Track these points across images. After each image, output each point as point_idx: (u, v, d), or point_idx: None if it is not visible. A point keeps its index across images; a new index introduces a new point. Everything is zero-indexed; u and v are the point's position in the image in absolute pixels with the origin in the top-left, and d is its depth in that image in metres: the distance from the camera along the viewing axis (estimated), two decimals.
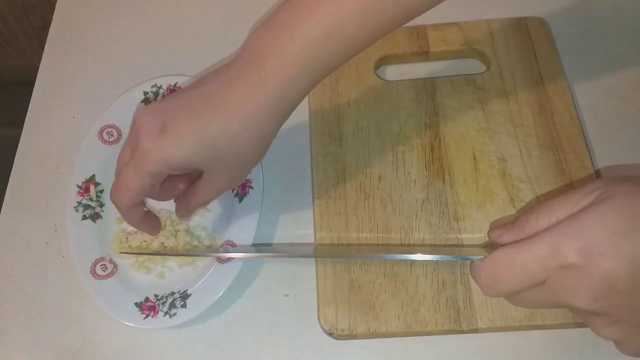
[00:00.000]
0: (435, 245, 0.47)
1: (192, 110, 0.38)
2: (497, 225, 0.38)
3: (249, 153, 0.39)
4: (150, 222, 0.45)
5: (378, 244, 0.48)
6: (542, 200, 0.48)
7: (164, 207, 0.51)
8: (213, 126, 0.37)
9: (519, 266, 0.34)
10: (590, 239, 0.32)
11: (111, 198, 0.41)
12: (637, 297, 0.32)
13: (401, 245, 0.47)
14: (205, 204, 0.45)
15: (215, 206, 0.51)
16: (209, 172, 0.40)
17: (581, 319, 0.36)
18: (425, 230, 0.48)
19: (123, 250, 0.49)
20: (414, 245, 0.47)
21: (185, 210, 0.45)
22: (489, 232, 0.39)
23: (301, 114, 0.54)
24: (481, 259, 0.36)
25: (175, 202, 0.47)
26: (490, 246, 0.42)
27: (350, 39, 0.37)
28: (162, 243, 0.49)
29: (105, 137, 0.53)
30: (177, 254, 0.48)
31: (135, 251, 0.49)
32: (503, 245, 0.36)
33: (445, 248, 0.47)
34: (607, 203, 0.33)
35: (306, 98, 0.55)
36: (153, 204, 0.50)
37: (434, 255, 0.42)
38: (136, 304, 0.46)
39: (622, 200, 0.33)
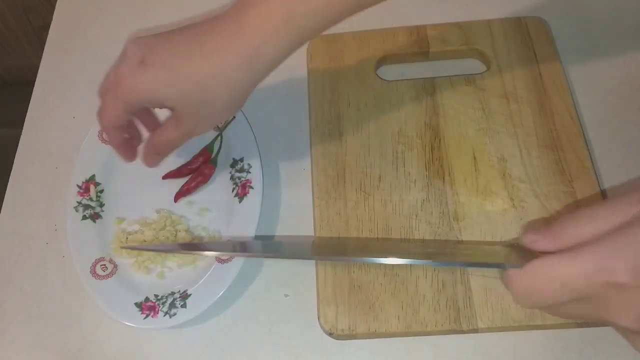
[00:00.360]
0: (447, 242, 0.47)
1: (172, 48, 0.39)
2: (531, 230, 0.36)
3: (216, 102, 0.40)
4: (128, 147, 0.46)
5: (378, 238, 0.48)
6: (562, 212, 0.46)
7: (164, 207, 0.51)
8: (185, 68, 0.39)
9: (561, 280, 0.32)
10: None
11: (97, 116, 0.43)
12: None
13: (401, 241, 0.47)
14: (170, 145, 0.44)
15: (215, 206, 0.51)
16: (176, 113, 0.41)
17: (620, 334, 0.34)
18: (425, 230, 0.48)
19: (124, 246, 0.49)
20: (414, 241, 0.47)
21: (150, 151, 0.45)
22: (522, 235, 0.36)
23: (301, 114, 0.54)
24: (517, 267, 0.34)
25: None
26: (514, 246, 0.41)
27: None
28: (162, 243, 0.49)
29: (106, 137, 0.53)
30: (179, 251, 0.48)
31: (135, 251, 0.49)
32: (536, 250, 0.35)
33: (474, 246, 0.46)
34: None
35: (306, 98, 0.55)
36: (153, 206, 0.51)
37: (461, 264, 0.41)
38: (136, 304, 0.46)
39: None
